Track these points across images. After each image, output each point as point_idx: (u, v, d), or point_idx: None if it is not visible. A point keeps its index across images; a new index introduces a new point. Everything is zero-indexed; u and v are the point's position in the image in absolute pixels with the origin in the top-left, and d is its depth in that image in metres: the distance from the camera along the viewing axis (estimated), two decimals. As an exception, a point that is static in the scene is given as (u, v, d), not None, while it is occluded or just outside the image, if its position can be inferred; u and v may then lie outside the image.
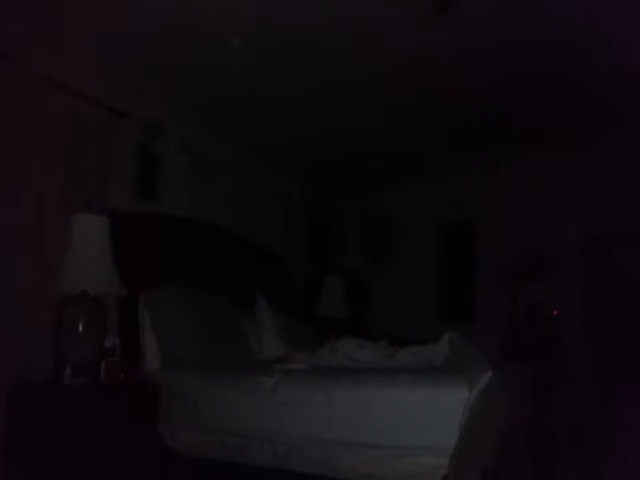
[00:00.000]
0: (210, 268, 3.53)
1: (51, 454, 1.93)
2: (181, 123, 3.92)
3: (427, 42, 3.30)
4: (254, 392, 2.21)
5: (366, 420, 1.95)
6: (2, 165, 2.59)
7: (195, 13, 2.85)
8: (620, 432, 3.49)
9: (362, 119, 4.34)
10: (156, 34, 3.00)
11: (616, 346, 4.73)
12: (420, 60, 3.47)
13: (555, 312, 5.05)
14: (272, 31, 3.06)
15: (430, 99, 4.05)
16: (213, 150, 4.22)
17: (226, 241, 3.85)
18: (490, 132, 4.78)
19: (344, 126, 4.46)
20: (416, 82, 3.79)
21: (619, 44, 3.30)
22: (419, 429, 1.83)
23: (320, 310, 4.35)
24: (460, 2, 2.86)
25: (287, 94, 3.83)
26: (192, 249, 3.41)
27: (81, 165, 2.98)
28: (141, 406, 2.27)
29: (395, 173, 5.71)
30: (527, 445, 1.99)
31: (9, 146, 2.63)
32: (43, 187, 2.77)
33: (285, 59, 3.37)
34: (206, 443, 2.27)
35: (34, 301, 2.59)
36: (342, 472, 1.93)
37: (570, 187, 5.10)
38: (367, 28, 3.10)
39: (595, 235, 4.97)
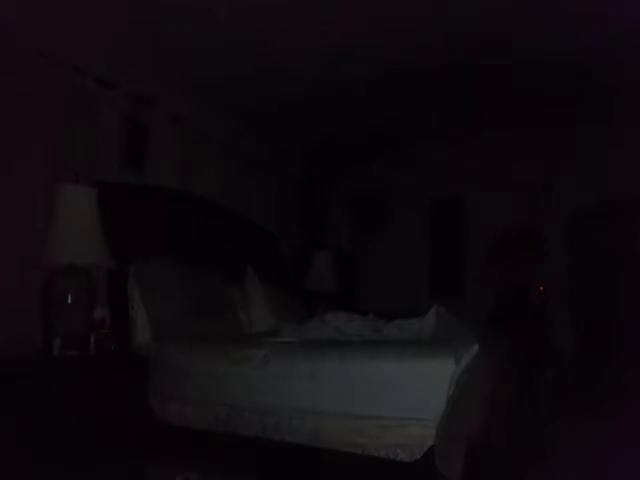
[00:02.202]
0: (200, 241, 3.51)
1: (40, 426, 1.94)
2: (171, 95, 3.85)
3: (418, 14, 3.26)
4: (244, 364, 2.22)
5: (354, 392, 1.97)
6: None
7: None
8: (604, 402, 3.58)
9: (353, 91, 4.30)
10: (145, 5, 2.93)
11: (600, 322, 4.82)
12: (411, 32, 3.43)
13: (541, 288, 5.12)
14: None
15: (422, 72, 4.01)
16: (203, 122, 4.16)
17: (216, 214, 3.84)
18: (481, 109, 4.77)
19: (335, 100, 4.42)
20: (408, 54, 3.75)
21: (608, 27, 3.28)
22: (406, 401, 1.86)
23: (309, 284, 4.37)
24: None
25: (277, 64, 3.77)
26: (181, 222, 3.39)
27: (69, 136, 2.94)
28: (131, 378, 2.28)
29: (386, 148, 5.68)
30: (512, 417, 2.03)
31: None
32: (30, 158, 2.73)
33: (275, 28, 3.31)
34: (196, 414, 2.29)
35: (22, 272, 2.57)
36: (330, 442, 1.96)
37: (557, 165, 5.14)
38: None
39: (581, 212, 5.02)
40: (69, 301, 2.16)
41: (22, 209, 2.65)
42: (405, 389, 1.88)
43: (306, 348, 2.28)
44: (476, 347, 1.77)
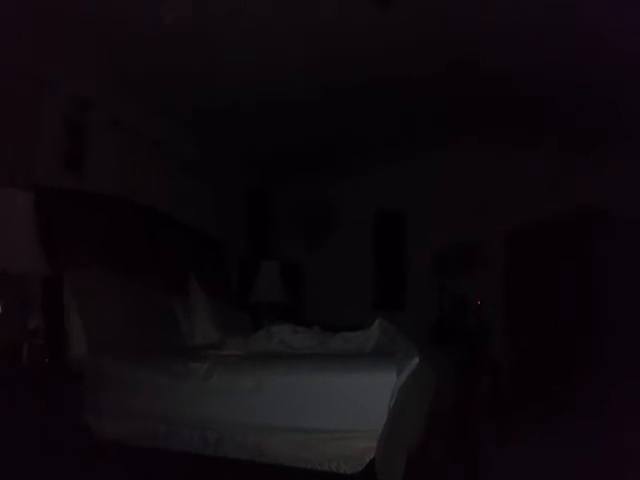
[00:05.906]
0: (141, 249, 3.41)
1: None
2: (112, 97, 3.73)
3: (371, 32, 3.33)
4: (186, 378, 2.17)
5: (298, 405, 1.96)
6: None
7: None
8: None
9: (302, 103, 4.33)
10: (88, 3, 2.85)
11: (534, 334, 5.03)
12: (364, 48, 3.50)
13: (478, 302, 5.32)
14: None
15: (369, 87, 4.09)
16: (146, 127, 4.06)
17: (158, 222, 3.75)
18: (425, 126, 4.91)
19: (283, 110, 4.43)
20: (358, 69, 3.82)
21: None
22: (349, 413, 1.87)
23: (255, 295, 4.32)
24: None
25: (224, 69, 3.74)
26: (122, 229, 3.29)
27: (4, 137, 2.80)
28: (66, 392, 2.18)
29: (333, 160, 5.74)
30: (452, 426, 2.09)
31: None
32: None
33: (222, 32, 3.30)
34: (134, 430, 2.21)
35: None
36: (274, 457, 1.94)
37: (497, 184, 5.37)
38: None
39: (518, 230, 5.25)
40: (0, 310, 2.06)
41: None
42: (349, 401, 1.89)
43: (250, 361, 2.25)
44: (417, 359, 1.82)
